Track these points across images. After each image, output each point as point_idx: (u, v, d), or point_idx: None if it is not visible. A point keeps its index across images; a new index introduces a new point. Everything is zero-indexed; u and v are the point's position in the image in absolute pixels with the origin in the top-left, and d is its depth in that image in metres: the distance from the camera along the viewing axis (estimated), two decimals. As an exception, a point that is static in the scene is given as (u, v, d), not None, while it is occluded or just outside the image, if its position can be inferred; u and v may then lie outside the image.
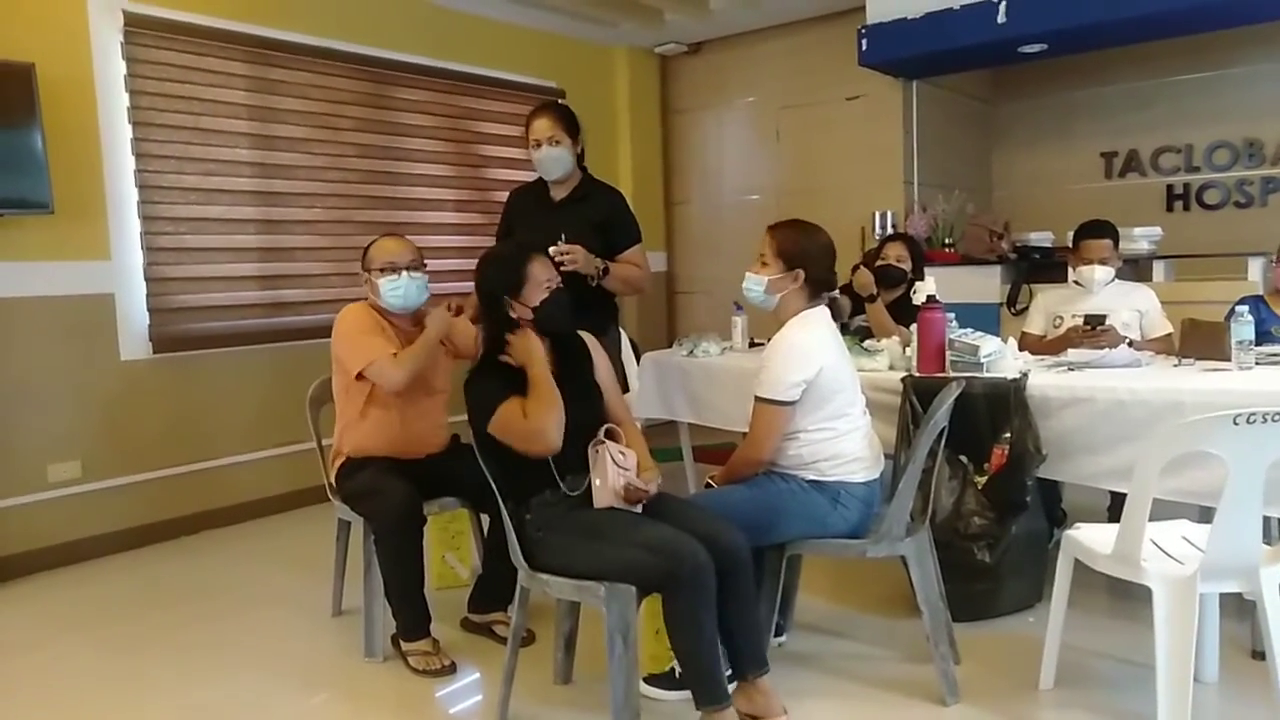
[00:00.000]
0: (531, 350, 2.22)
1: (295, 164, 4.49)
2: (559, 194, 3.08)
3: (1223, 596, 2.27)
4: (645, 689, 2.37)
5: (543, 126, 2.98)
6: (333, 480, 2.86)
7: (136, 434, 3.98)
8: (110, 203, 3.87)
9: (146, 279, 3.98)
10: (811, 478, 2.34)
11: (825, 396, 2.31)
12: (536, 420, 2.13)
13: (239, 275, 4.31)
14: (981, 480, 2.80)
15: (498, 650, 2.55)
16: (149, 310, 3.99)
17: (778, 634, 2.66)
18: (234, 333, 4.28)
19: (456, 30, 5.21)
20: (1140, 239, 4.46)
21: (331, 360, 2.83)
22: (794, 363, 2.28)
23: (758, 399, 2.32)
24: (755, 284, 2.41)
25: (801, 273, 2.35)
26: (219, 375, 4.25)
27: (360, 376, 2.71)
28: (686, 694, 2.31)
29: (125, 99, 3.89)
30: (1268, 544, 2.11)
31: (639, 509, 2.22)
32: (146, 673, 2.73)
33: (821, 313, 2.40)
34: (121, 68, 3.88)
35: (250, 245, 4.35)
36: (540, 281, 2.27)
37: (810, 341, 2.31)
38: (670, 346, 3.99)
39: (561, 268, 2.61)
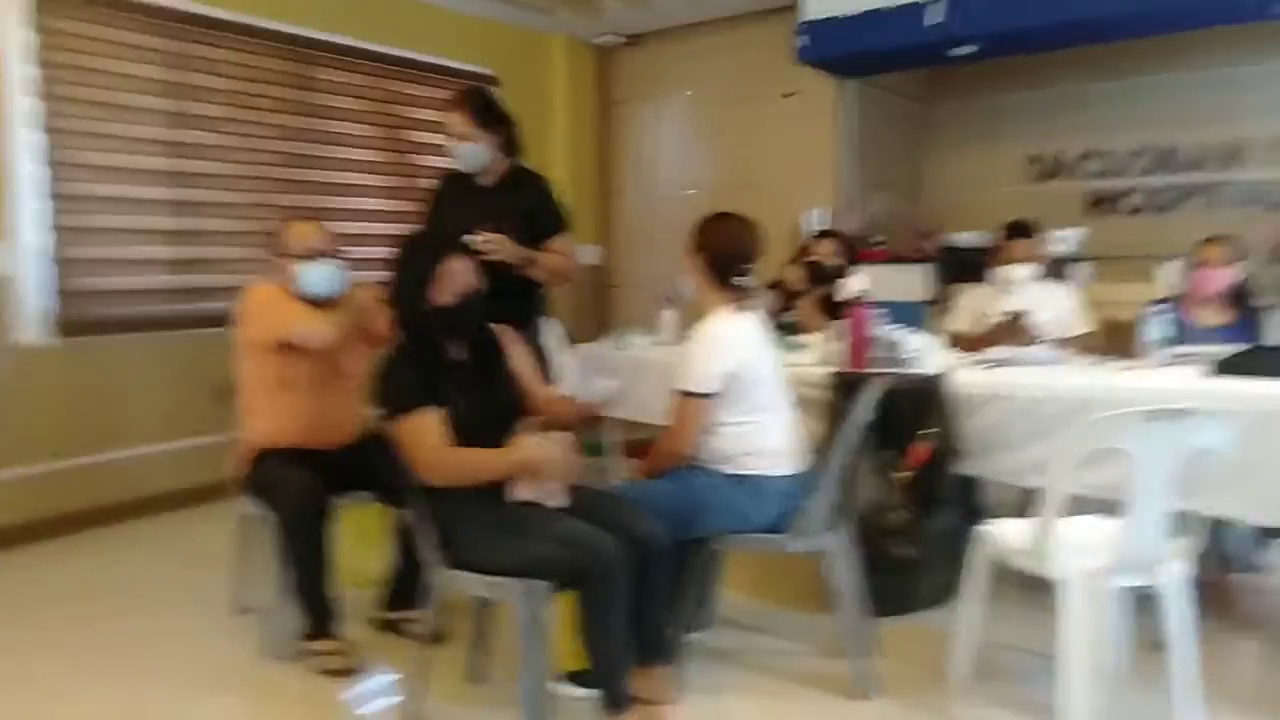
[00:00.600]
0: (534, 446, 2.14)
1: (214, 144, 4.31)
2: (486, 180, 3.01)
3: (1129, 589, 2.31)
4: (564, 686, 2.32)
5: (454, 122, 2.91)
6: (238, 473, 2.74)
7: (31, 423, 3.77)
8: (6, 180, 3.65)
9: (54, 260, 3.77)
10: (731, 471, 2.32)
11: (745, 390, 2.29)
12: (456, 458, 2.09)
13: (151, 258, 4.13)
14: (903, 476, 2.80)
15: (410, 648, 2.46)
16: (57, 292, 3.79)
17: (698, 629, 2.63)
18: (144, 318, 4.10)
19: (386, 11, 5.07)
20: (1063, 241, 4.57)
21: (238, 345, 2.71)
22: (713, 354, 2.26)
23: (678, 391, 2.29)
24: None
25: (700, 257, 2.34)
26: (126, 362, 4.06)
27: (282, 348, 2.60)
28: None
29: (35, 71, 3.68)
30: (1173, 538, 2.15)
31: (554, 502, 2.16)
32: (36, 676, 2.59)
33: (743, 307, 2.37)
34: (32, 38, 3.67)
35: (164, 228, 4.16)
36: (453, 284, 2.19)
37: (730, 334, 2.29)
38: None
39: (484, 256, 2.53)
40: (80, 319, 3.88)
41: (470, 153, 2.93)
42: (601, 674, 2.04)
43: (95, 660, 2.68)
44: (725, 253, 2.33)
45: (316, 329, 2.61)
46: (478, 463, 2.12)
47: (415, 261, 2.21)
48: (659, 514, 2.19)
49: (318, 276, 2.67)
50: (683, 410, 2.28)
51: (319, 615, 2.55)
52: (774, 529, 2.35)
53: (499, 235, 2.78)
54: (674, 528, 2.21)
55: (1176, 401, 1.95)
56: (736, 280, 2.33)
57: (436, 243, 2.29)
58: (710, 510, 2.32)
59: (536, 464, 2.12)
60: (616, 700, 2.03)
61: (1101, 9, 4.29)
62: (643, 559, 2.10)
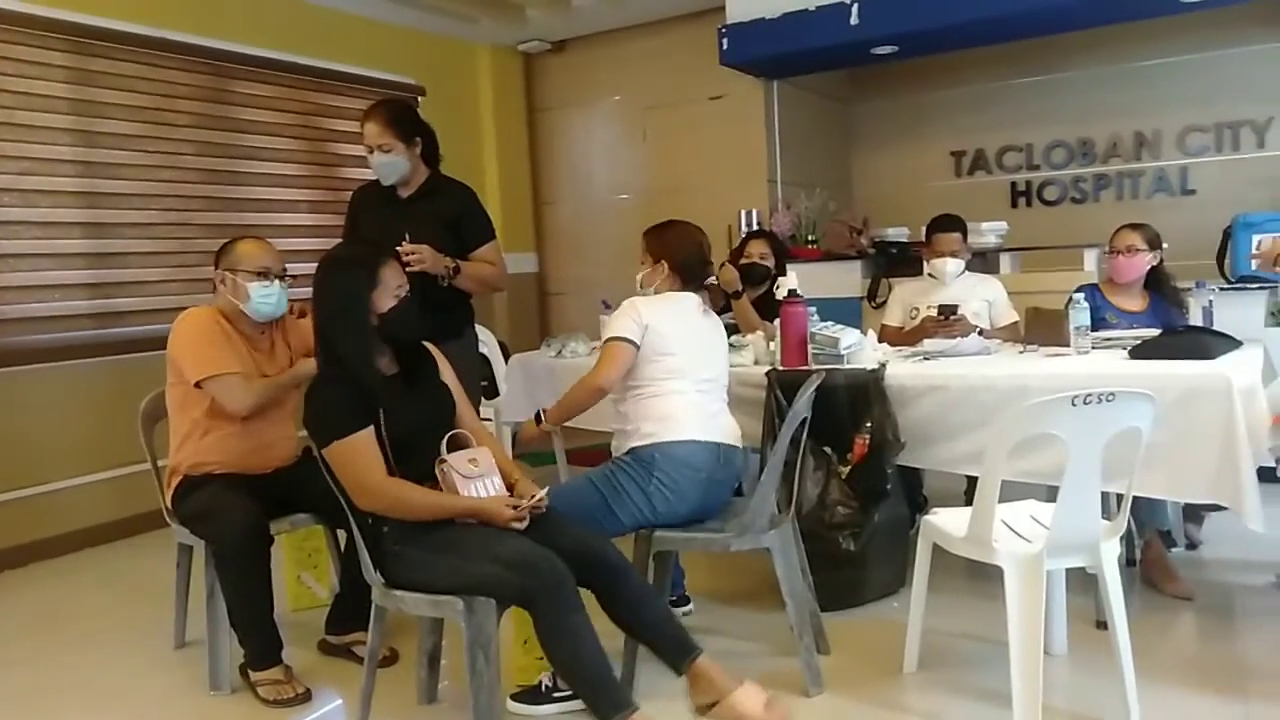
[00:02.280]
0: (486, 502, 2.11)
1: (125, 163, 4.17)
2: (405, 191, 2.96)
3: (1068, 571, 2.37)
4: (512, 705, 2.30)
5: (370, 132, 2.85)
6: (169, 502, 2.64)
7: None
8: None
9: (-46, 289, 3.61)
10: (633, 444, 2.42)
11: (649, 356, 2.45)
12: (394, 492, 2.04)
13: (64, 283, 3.97)
14: (845, 470, 2.84)
15: (359, 672, 2.39)
16: (-42, 324, 3.62)
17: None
18: (59, 346, 3.93)
19: (305, 22, 4.96)
20: (988, 233, 4.67)
21: (168, 369, 2.61)
22: (627, 312, 2.50)
23: (605, 342, 2.50)
24: (639, 282, 2.62)
25: (665, 263, 2.56)
26: (42, 393, 3.88)
27: (198, 385, 2.52)
28: (555, 709, 2.27)
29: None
30: (1106, 519, 2.21)
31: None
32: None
33: (682, 296, 2.55)
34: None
35: (76, 251, 4.01)
36: (391, 287, 2.16)
37: (645, 303, 2.51)
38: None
39: (409, 268, 2.49)
40: (-8, 349, 3.71)
41: (388, 163, 2.87)
42: (584, 685, 1.99)
43: (37, 702, 2.57)
44: (670, 250, 2.57)
45: (235, 394, 2.52)
46: (418, 503, 2.08)
47: (343, 279, 2.16)
48: (581, 511, 2.27)
49: (274, 298, 2.61)
50: (606, 352, 2.47)
51: (261, 645, 2.46)
52: (700, 513, 2.41)
53: (422, 245, 2.73)
54: (595, 522, 2.29)
55: (1103, 385, 2.00)
56: (690, 273, 2.57)
57: (363, 256, 2.23)
58: (622, 495, 2.37)
59: (478, 513, 2.09)
60: (617, 703, 1.96)
61: (1005, 8, 4.41)
62: (606, 578, 2.09)
